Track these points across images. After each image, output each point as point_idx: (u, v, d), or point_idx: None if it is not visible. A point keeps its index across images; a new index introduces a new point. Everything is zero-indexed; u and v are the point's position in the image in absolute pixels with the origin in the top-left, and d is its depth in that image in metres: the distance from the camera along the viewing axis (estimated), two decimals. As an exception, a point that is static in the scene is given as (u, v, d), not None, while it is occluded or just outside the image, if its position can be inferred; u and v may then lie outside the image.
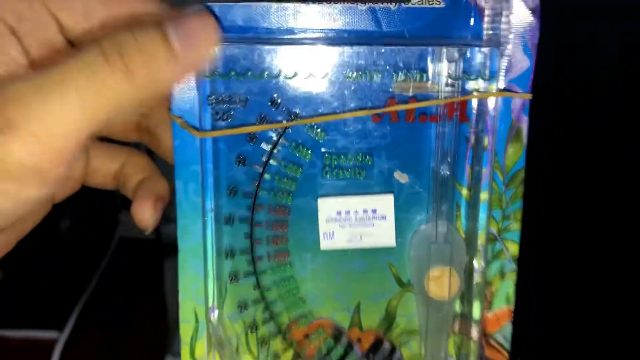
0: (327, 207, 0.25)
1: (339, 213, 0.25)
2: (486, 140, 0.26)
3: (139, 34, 0.20)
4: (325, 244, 0.26)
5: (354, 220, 0.25)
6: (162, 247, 0.79)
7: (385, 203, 0.25)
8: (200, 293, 0.27)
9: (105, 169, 0.29)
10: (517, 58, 0.25)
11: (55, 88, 0.19)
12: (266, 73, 0.24)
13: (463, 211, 0.27)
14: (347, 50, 0.24)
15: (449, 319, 0.28)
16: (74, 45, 0.23)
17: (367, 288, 0.28)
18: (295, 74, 0.24)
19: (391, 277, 0.28)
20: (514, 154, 0.26)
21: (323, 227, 0.25)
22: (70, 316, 0.86)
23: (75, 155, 0.21)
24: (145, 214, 0.27)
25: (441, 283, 0.27)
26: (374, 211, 0.25)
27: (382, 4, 0.24)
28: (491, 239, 0.27)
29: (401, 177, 0.26)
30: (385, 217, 0.25)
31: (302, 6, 0.24)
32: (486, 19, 0.25)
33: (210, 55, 0.23)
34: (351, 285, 0.28)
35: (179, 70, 0.21)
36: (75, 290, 0.91)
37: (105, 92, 0.20)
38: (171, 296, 0.81)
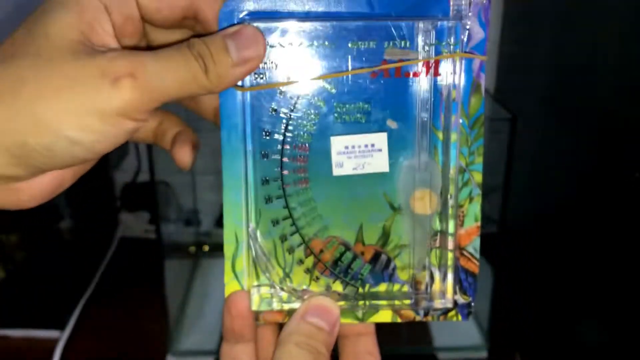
0: (338, 143, 0.34)
1: (347, 147, 0.34)
2: (454, 93, 0.35)
3: (211, 46, 0.29)
4: (337, 171, 0.34)
5: (358, 153, 0.34)
6: (162, 247, 0.81)
7: (380, 139, 0.34)
8: (240, 217, 0.35)
9: (148, 125, 0.37)
10: (475, 30, 0.34)
11: (163, 60, 0.28)
12: (285, 46, 0.33)
13: (440, 149, 0.36)
14: (350, 24, 0.33)
15: (429, 231, 0.36)
16: (147, 20, 0.32)
17: (367, 212, 0.36)
18: (311, 44, 0.33)
19: (385, 204, 0.36)
20: (475, 104, 0.35)
21: (335, 158, 0.34)
22: (71, 315, 0.89)
23: (156, 106, 0.29)
24: (186, 155, 0.35)
25: (423, 202, 0.35)
26: (372, 145, 0.34)
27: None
28: (461, 170, 0.36)
29: (392, 123, 0.35)
30: (381, 150, 0.34)
31: None
32: (452, 0, 0.34)
33: (259, 63, 0.32)
34: (355, 210, 0.36)
35: (237, 74, 0.31)
36: (76, 290, 0.94)
37: (192, 76, 0.29)
38: (171, 296, 0.84)
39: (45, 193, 0.30)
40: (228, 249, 0.35)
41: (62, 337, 0.85)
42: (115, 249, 1.04)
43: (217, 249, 1.07)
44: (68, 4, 0.27)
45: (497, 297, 0.83)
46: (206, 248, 1.08)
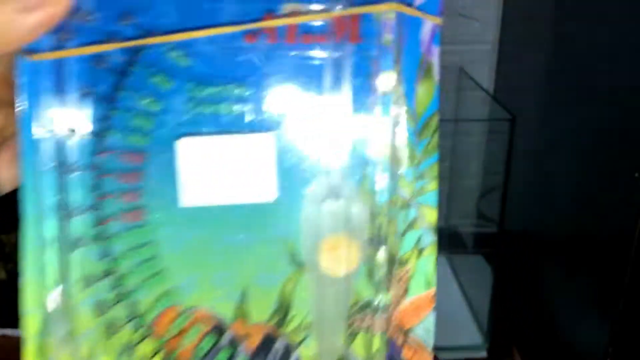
0: (190, 149, 0.20)
1: (205, 157, 0.20)
2: (391, 77, 0.21)
3: None
4: (187, 199, 0.20)
5: (225, 167, 0.20)
6: None
7: (263, 144, 0.20)
8: (42, 278, 0.21)
9: None
10: None
11: None
12: None
13: (369, 169, 0.22)
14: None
15: (347, 303, 0.22)
16: None
17: (252, 269, 0.22)
18: None
19: (283, 255, 0.22)
20: (425, 96, 0.22)
21: (185, 175, 0.20)
22: None
23: None
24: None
25: (336, 255, 0.21)
26: (249, 155, 0.20)
27: None
28: (403, 205, 0.22)
29: None
30: (264, 163, 0.20)
31: None
32: None
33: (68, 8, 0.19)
34: (232, 265, 0.22)
35: (28, 25, 0.18)
36: None
37: None
38: None
39: None
40: (31, 324, 0.21)
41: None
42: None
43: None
44: None
45: (496, 297, 0.82)
46: None
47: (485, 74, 1.01)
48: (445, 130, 0.87)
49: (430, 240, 0.23)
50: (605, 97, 0.64)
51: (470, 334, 0.86)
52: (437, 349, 0.81)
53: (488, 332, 0.84)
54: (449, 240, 0.92)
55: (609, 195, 0.63)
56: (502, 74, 0.97)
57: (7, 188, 0.22)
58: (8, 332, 0.83)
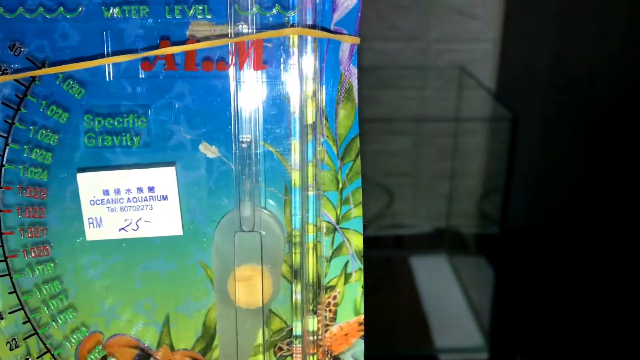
0: (90, 183, 0.19)
1: (106, 192, 0.19)
2: (309, 101, 0.20)
3: None
4: (91, 233, 0.20)
5: (127, 202, 0.20)
6: None
7: (165, 178, 0.19)
8: None
9: None
10: None
11: None
12: (1, 9, 0.19)
13: (291, 194, 0.21)
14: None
15: (269, 331, 0.21)
16: None
17: (176, 295, 0.22)
18: (39, 7, 0.19)
19: (206, 281, 0.22)
20: (346, 118, 0.20)
21: (87, 210, 0.19)
22: None
23: None
24: None
25: (250, 286, 0.21)
26: (151, 189, 0.19)
27: None
28: (329, 230, 0.21)
29: (208, 149, 0.20)
30: (167, 197, 0.20)
31: None
32: None
33: None
34: (155, 292, 0.22)
35: None
36: None
37: None
38: None
39: None
40: None
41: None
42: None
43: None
44: None
45: (498, 297, 0.79)
46: None
47: (486, 73, 0.96)
48: (446, 130, 0.86)
49: (357, 266, 0.22)
50: (605, 97, 0.64)
51: (472, 336, 0.84)
52: (438, 350, 0.74)
53: (490, 334, 0.83)
54: (450, 241, 0.90)
55: (611, 195, 0.63)
56: (504, 73, 0.94)
57: None
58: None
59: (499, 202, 0.72)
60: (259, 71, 0.19)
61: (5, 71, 0.19)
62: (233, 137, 0.20)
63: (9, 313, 0.21)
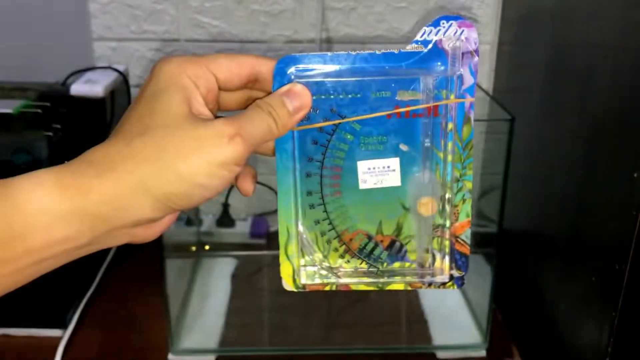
0: (363, 165, 0.46)
1: (369, 169, 0.46)
2: (451, 125, 0.46)
3: (274, 103, 0.41)
4: (362, 186, 0.47)
5: (377, 172, 0.46)
6: (163, 247, 0.82)
7: (394, 162, 0.46)
8: (291, 217, 0.48)
9: None
10: (466, 77, 0.45)
11: (251, 121, 0.39)
12: (323, 96, 0.44)
13: (440, 166, 0.48)
14: (370, 79, 0.44)
15: (432, 226, 0.49)
16: (221, 89, 0.42)
17: (385, 211, 0.49)
18: (344, 94, 0.45)
19: (399, 205, 0.48)
20: (467, 132, 0.47)
21: (361, 177, 0.46)
22: (73, 314, 0.90)
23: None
24: (248, 185, 0.46)
25: (427, 206, 0.48)
26: (388, 167, 0.46)
27: (389, 49, 0.44)
28: (456, 180, 0.48)
29: (404, 147, 0.47)
30: (395, 170, 0.46)
31: (342, 54, 0.44)
32: (450, 57, 0.45)
33: (308, 110, 0.43)
34: (376, 211, 0.48)
35: (294, 121, 0.43)
36: (78, 289, 0.95)
37: (269, 129, 0.41)
38: (173, 295, 0.85)
39: (165, 227, 0.41)
40: (282, 239, 0.48)
41: (64, 335, 0.86)
42: (117, 248, 1.05)
43: (218, 248, 1.12)
44: (173, 87, 0.38)
45: (496, 296, 0.84)
46: (207, 247, 1.10)
47: (484, 74, 1.03)
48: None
49: (468, 195, 0.48)
50: (604, 96, 0.64)
51: (470, 333, 0.89)
52: (436, 347, 0.91)
53: (487, 331, 0.85)
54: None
55: (608, 195, 0.62)
56: (501, 74, 0.99)
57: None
58: (10, 331, 0.87)
59: (497, 202, 0.76)
60: (436, 116, 0.45)
61: (328, 119, 0.45)
62: (422, 143, 0.46)
63: (322, 220, 0.48)
